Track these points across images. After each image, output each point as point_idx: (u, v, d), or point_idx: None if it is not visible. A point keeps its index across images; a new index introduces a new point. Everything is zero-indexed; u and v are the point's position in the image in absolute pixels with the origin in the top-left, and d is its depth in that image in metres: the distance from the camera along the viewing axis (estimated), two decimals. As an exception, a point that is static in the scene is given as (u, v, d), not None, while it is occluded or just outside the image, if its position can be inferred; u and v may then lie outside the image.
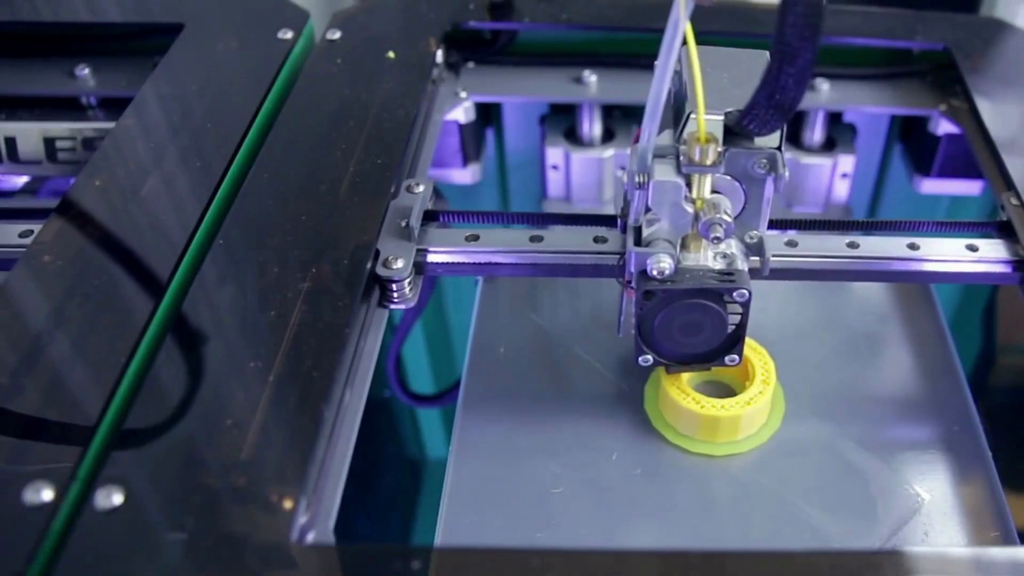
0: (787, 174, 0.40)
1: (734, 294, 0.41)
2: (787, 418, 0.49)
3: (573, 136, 0.72)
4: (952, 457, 0.48)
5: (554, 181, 0.74)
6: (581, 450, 0.48)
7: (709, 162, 0.39)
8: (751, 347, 0.50)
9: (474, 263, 0.48)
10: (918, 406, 0.51)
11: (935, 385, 0.52)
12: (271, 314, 0.42)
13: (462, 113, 0.65)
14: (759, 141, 0.40)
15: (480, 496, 0.46)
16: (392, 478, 1.00)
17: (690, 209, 0.41)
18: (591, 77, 0.66)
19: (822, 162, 0.70)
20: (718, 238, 0.40)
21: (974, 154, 0.58)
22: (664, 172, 0.40)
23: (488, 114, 0.74)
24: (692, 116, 0.39)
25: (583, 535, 0.44)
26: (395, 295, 0.46)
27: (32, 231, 0.48)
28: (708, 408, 0.46)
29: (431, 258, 0.48)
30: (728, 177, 0.41)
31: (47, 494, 0.34)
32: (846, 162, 0.70)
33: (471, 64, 0.67)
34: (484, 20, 0.65)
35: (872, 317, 0.57)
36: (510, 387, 0.52)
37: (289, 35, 0.61)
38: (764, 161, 0.40)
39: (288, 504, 0.34)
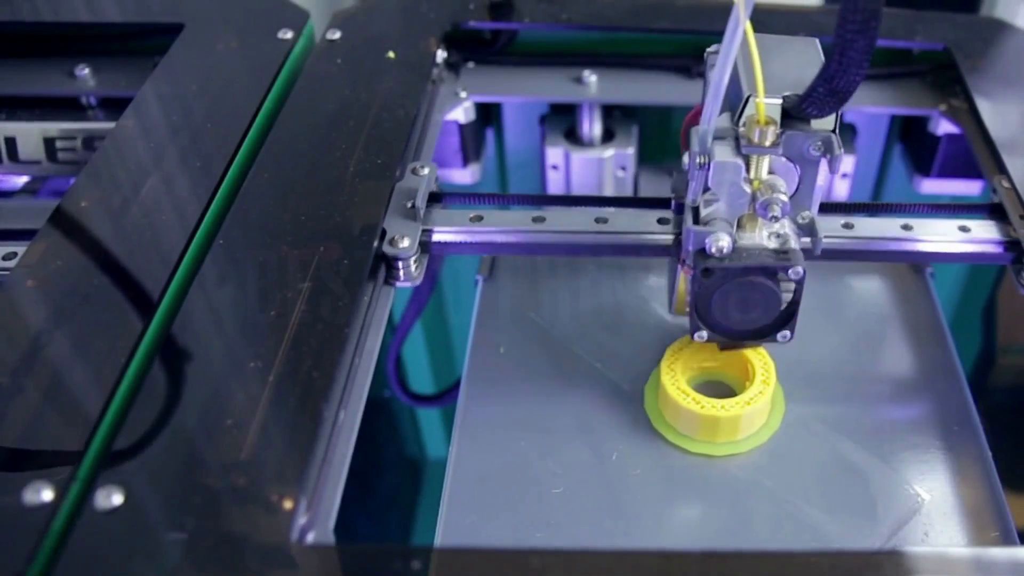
0: (842, 154, 0.42)
1: (789, 272, 0.42)
2: (787, 418, 0.49)
3: (573, 136, 0.72)
4: (952, 457, 0.48)
5: (554, 181, 0.74)
6: (581, 450, 0.48)
7: (768, 143, 0.41)
8: (751, 347, 0.50)
9: (478, 242, 0.50)
10: (918, 406, 0.51)
11: (935, 385, 0.52)
12: (271, 314, 0.42)
13: (462, 113, 0.65)
14: (814, 124, 0.41)
15: (480, 496, 0.46)
16: (392, 478, 1.00)
17: (748, 189, 0.42)
18: (591, 77, 0.66)
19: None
20: (775, 217, 0.41)
21: (974, 154, 0.58)
22: (725, 153, 0.41)
23: (488, 114, 0.74)
24: (752, 99, 0.41)
25: (583, 535, 0.44)
26: (401, 273, 0.48)
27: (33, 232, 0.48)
28: (708, 408, 0.46)
29: (436, 237, 0.49)
30: (784, 159, 0.42)
31: (47, 494, 0.34)
32: (846, 162, 0.70)
33: (471, 64, 0.67)
34: (484, 20, 0.65)
35: (872, 317, 0.57)
36: (510, 387, 0.52)
37: (289, 35, 0.61)
38: (819, 143, 0.41)
39: (288, 504, 0.34)
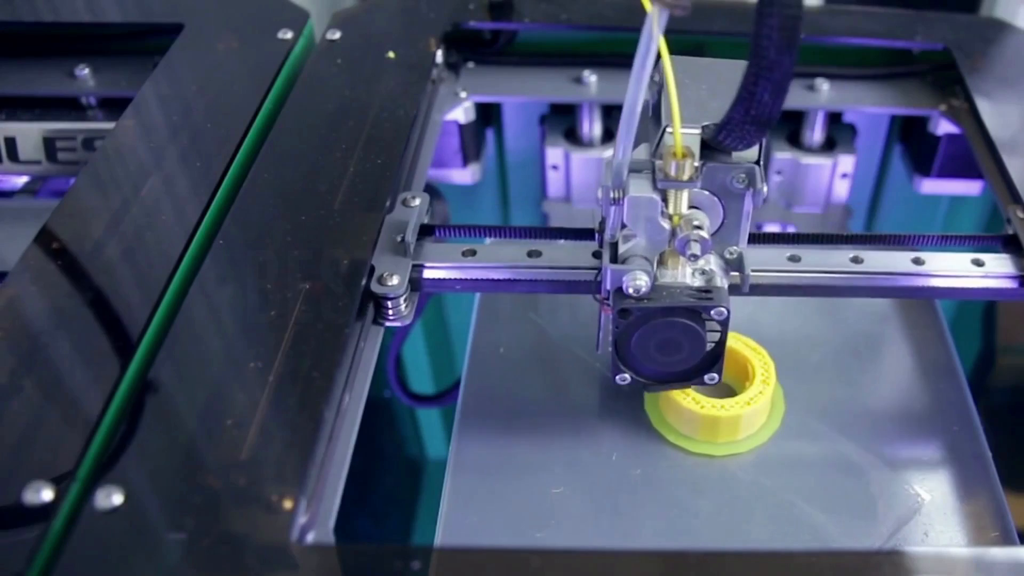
0: (766, 189, 0.40)
1: (712, 312, 0.40)
2: (787, 418, 0.49)
3: (573, 136, 0.72)
4: (952, 457, 0.48)
5: (554, 181, 0.74)
6: (581, 451, 0.48)
7: (685, 177, 0.38)
8: (751, 347, 0.50)
9: (471, 279, 0.47)
10: (918, 407, 0.51)
11: (935, 386, 0.52)
12: (271, 314, 0.42)
13: (462, 113, 0.65)
14: (737, 155, 0.39)
15: (480, 496, 0.46)
16: (392, 478, 1.00)
17: (667, 225, 0.40)
18: (591, 77, 0.66)
19: (822, 162, 0.70)
20: (695, 255, 0.39)
21: (974, 154, 0.58)
22: (639, 187, 0.39)
23: (488, 114, 0.74)
24: (668, 130, 0.38)
25: (583, 535, 0.44)
26: (390, 312, 0.45)
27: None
28: (708, 408, 0.46)
29: (427, 274, 0.47)
30: (706, 192, 0.40)
31: (47, 494, 0.34)
32: (846, 162, 0.70)
33: (471, 64, 0.67)
34: (484, 20, 0.65)
35: (872, 317, 0.57)
36: (510, 387, 0.52)
37: (289, 35, 0.61)
38: (743, 176, 0.39)
39: (288, 504, 0.34)
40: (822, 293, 0.48)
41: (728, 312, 0.40)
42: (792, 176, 0.71)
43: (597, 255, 0.46)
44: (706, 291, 0.41)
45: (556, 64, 0.67)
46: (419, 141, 0.57)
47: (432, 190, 0.70)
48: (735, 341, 0.49)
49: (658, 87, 0.42)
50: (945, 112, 0.63)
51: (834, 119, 0.71)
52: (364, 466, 0.84)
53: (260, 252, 0.45)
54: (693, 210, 0.40)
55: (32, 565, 0.32)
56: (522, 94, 0.67)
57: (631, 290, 0.40)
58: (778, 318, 0.56)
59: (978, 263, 0.47)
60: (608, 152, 0.71)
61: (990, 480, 0.47)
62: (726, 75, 0.40)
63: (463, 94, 0.65)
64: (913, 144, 0.70)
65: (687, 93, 0.38)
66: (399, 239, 0.46)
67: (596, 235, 0.46)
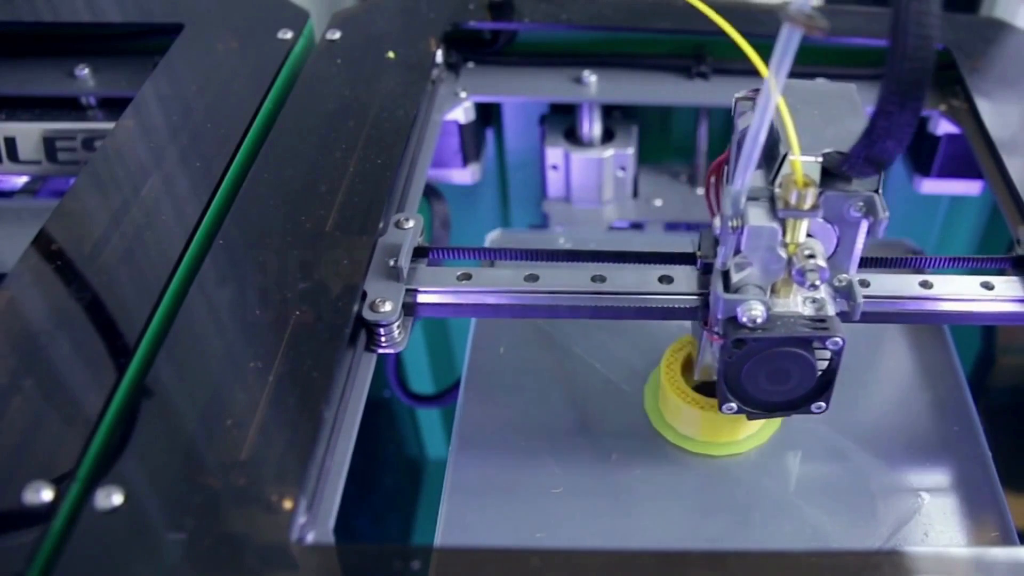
0: (886, 216, 0.38)
1: (827, 342, 0.40)
2: (787, 418, 0.49)
3: (573, 136, 0.72)
4: (952, 457, 0.48)
5: (554, 181, 0.74)
6: (581, 450, 0.48)
7: (807, 207, 0.37)
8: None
9: (466, 304, 0.46)
10: (918, 406, 0.51)
11: (935, 385, 0.52)
12: (271, 314, 0.42)
13: (462, 113, 0.65)
14: (856, 183, 0.39)
15: (480, 496, 0.46)
16: (392, 478, 1.00)
17: (784, 254, 0.39)
18: (591, 77, 0.66)
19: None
20: (815, 285, 0.38)
21: (974, 154, 0.58)
22: (759, 217, 0.38)
23: (488, 114, 0.74)
24: (789, 157, 0.37)
25: (583, 535, 0.44)
26: (383, 339, 0.44)
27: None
28: (708, 408, 0.46)
29: (421, 299, 0.45)
30: (821, 220, 0.39)
31: (47, 494, 0.34)
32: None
33: (471, 64, 0.67)
34: (484, 20, 0.65)
35: (872, 317, 0.57)
36: (510, 387, 0.52)
37: (289, 35, 0.61)
38: (861, 204, 0.39)
39: (288, 504, 0.34)
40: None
41: (843, 342, 0.40)
42: (792, 176, 0.71)
43: (596, 279, 0.46)
44: (820, 320, 0.40)
45: (556, 64, 0.67)
46: (419, 141, 0.57)
47: (432, 190, 0.70)
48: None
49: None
50: (945, 112, 0.63)
51: (834, 119, 0.71)
52: (364, 466, 0.84)
53: (260, 252, 0.45)
54: (809, 238, 0.40)
55: (32, 565, 0.32)
56: (522, 94, 0.67)
57: (746, 320, 0.39)
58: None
59: (987, 286, 0.46)
60: (608, 152, 0.71)
61: (990, 480, 0.47)
62: (834, 99, 0.40)
63: (463, 94, 0.65)
64: (913, 144, 0.70)
65: (801, 119, 0.37)
66: (392, 263, 0.45)
67: (697, 260, 0.45)
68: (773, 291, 0.41)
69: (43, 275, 0.43)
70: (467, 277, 0.46)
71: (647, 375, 0.51)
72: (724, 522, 0.45)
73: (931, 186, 0.68)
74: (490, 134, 0.75)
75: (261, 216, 0.47)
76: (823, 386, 0.42)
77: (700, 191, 0.77)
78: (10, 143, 0.62)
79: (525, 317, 0.47)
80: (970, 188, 0.68)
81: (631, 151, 0.72)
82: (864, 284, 0.46)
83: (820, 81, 0.42)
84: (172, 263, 0.44)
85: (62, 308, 0.42)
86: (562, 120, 0.73)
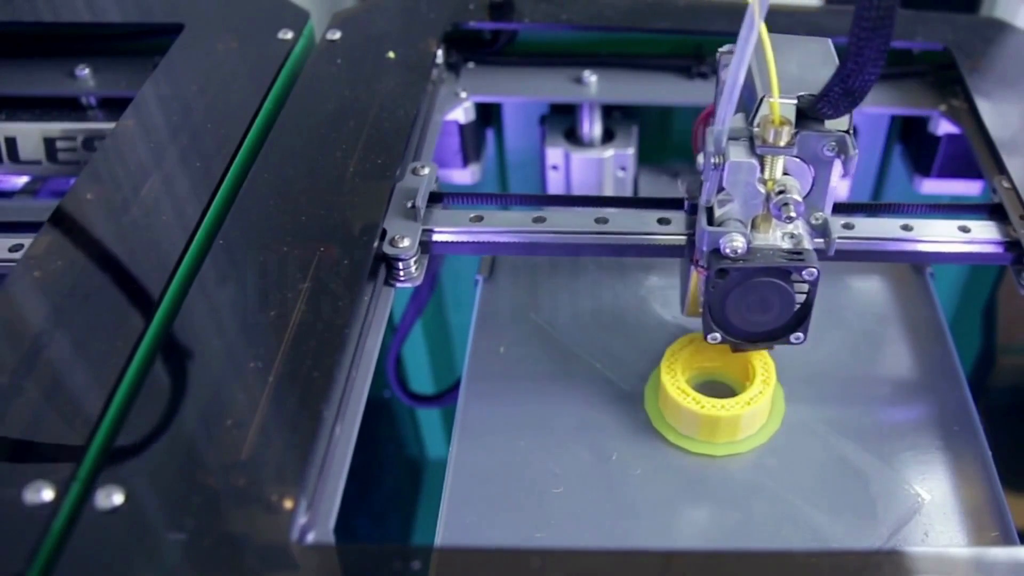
0: (856, 154, 0.42)
1: (803, 272, 0.42)
2: (787, 418, 0.49)
3: (573, 136, 0.72)
4: (952, 457, 0.48)
5: (554, 181, 0.74)
6: (581, 450, 0.48)
7: (783, 143, 0.41)
8: (751, 347, 0.50)
9: (479, 242, 0.50)
10: (918, 406, 0.51)
11: (935, 385, 0.52)
12: (271, 314, 0.42)
13: (462, 113, 0.65)
14: (829, 124, 0.42)
15: (480, 496, 0.46)
16: (392, 478, 1.00)
17: (762, 189, 0.42)
18: (591, 77, 0.66)
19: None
20: (790, 217, 0.41)
21: (974, 154, 0.58)
22: (739, 153, 0.41)
23: (488, 114, 0.74)
24: (767, 99, 0.40)
25: (583, 535, 0.44)
26: (401, 273, 0.48)
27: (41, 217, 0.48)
28: (708, 408, 0.46)
29: (436, 237, 0.49)
30: (798, 159, 0.42)
31: (47, 494, 0.34)
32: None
33: (471, 64, 0.67)
34: (484, 20, 0.65)
35: (872, 317, 0.57)
36: (510, 387, 0.52)
37: (289, 35, 0.61)
38: (834, 143, 0.42)
39: (288, 504, 0.34)
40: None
41: (818, 272, 0.42)
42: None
43: (600, 221, 0.50)
44: (797, 253, 0.43)
45: (556, 64, 0.67)
46: (419, 141, 0.57)
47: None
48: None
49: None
50: (945, 112, 0.63)
51: (834, 119, 0.71)
52: (364, 466, 0.84)
53: (260, 252, 0.45)
54: (786, 176, 0.42)
55: (32, 565, 0.32)
56: (522, 94, 0.67)
57: (729, 251, 0.42)
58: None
59: (964, 229, 0.50)
60: (608, 152, 0.71)
61: (990, 480, 0.47)
62: (810, 50, 0.44)
63: (463, 94, 0.65)
64: (913, 144, 0.70)
65: (779, 66, 0.40)
66: (409, 205, 0.49)
67: (685, 203, 0.49)
68: (754, 226, 0.43)
69: (43, 275, 0.43)
70: (479, 219, 0.50)
71: (647, 375, 0.51)
72: (724, 522, 0.45)
73: (931, 186, 0.68)
74: (490, 134, 0.75)
75: (261, 216, 0.47)
76: (801, 317, 0.45)
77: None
78: (10, 143, 0.62)
79: (533, 255, 0.52)
80: (970, 188, 0.68)
81: (631, 151, 0.72)
82: (849, 227, 0.50)
83: (799, 37, 0.45)
84: (172, 263, 0.44)
85: (62, 308, 0.42)
86: (562, 120, 0.73)
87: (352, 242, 0.46)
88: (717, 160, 0.42)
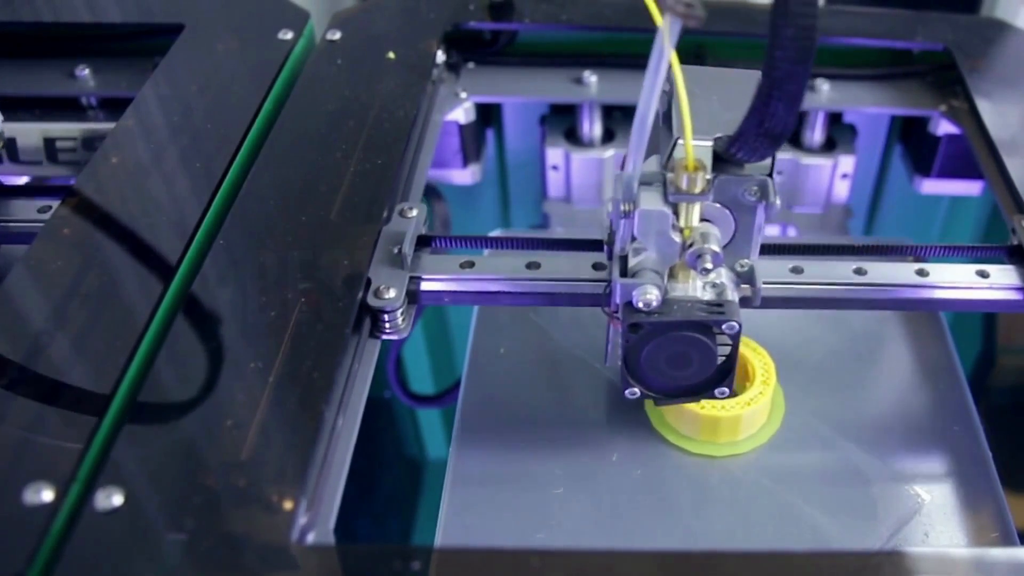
0: (778, 202, 0.39)
1: (723, 326, 0.40)
2: (787, 419, 0.49)
3: (573, 136, 0.72)
4: (952, 457, 0.48)
5: (554, 181, 0.74)
6: (581, 451, 0.48)
7: (697, 190, 0.38)
8: (751, 348, 0.50)
9: (469, 291, 0.47)
10: (918, 406, 0.51)
11: (935, 385, 0.52)
12: (271, 314, 0.42)
13: (462, 113, 0.65)
14: (749, 168, 0.39)
15: (480, 496, 0.46)
16: (392, 478, 1.00)
17: (677, 238, 0.39)
18: (591, 77, 0.66)
19: (822, 162, 0.70)
20: (706, 269, 0.39)
21: (974, 155, 0.58)
22: (650, 201, 0.39)
23: (488, 114, 0.74)
24: (680, 142, 0.37)
25: (583, 535, 0.44)
26: (387, 325, 0.45)
27: (48, 206, 0.48)
28: (708, 409, 0.46)
29: (424, 286, 0.46)
30: (717, 205, 0.40)
31: (47, 494, 0.34)
32: (846, 162, 0.70)
33: (471, 64, 0.67)
34: (484, 20, 0.65)
35: (873, 318, 0.57)
36: (510, 388, 0.52)
37: (289, 35, 0.61)
38: (755, 188, 0.39)
39: (288, 504, 0.34)
40: (825, 306, 0.47)
41: (740, 326, 0.40)
42: (792, 176, 0.71)
43: (598, 267, 0.46)
44: (717, 305, 0.40)
45: (556, 64, 0.67)
46: (419, 142, 0.57)
47: (432, 191, 0.70)
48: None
49: (668, 97, 0.41)
50: (945, 112, 0.63)
51: (834, 119, 0.71)
52: (364, 466, 0.84)
53: (260, 252, 0.45)
54: (704, 223, 0.40)
55: (32, 565, 0.32)
56: (522, 94, 0.67)
57: (641, 304, 0.39)
58: (779, 319, 0.56)
59: (983, 275, 0.47)
60: (608, 152, 0.71)
61: (990, 480, 0.47)
62: (737, 85, 0.39)
63: (463, 94, 0.65)
64: (913, 144, 0.70)
65: (698, 104, 0.37)
66: (396, 251, 0.46)
67: (605, 247, 0.45)
68: (672, 276, 0.41)
69: (43, 275, 0.43)
70: (470, 265, 0.47)
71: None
72: (724, 522, 0.45)
73: (931, 186, 0.68)
74: (490, 134, 0.75)
75: (261, 216, 0.47)
76: (724, 371, 0.42)
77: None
78: (10, 143, 0.62)
79: (525, 304, 0.48)
80: (970, 188, 0.68)
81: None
82: (861, 272, 0.47)
83: (725, 70, 0.42)
84: (172, 263, 0.44)
85: (62, 308, 0.42)
86: (562, 120, 0.73)
87: (335, 293, 0.43)
88: (626, 207, 0.39)
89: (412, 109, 0.56)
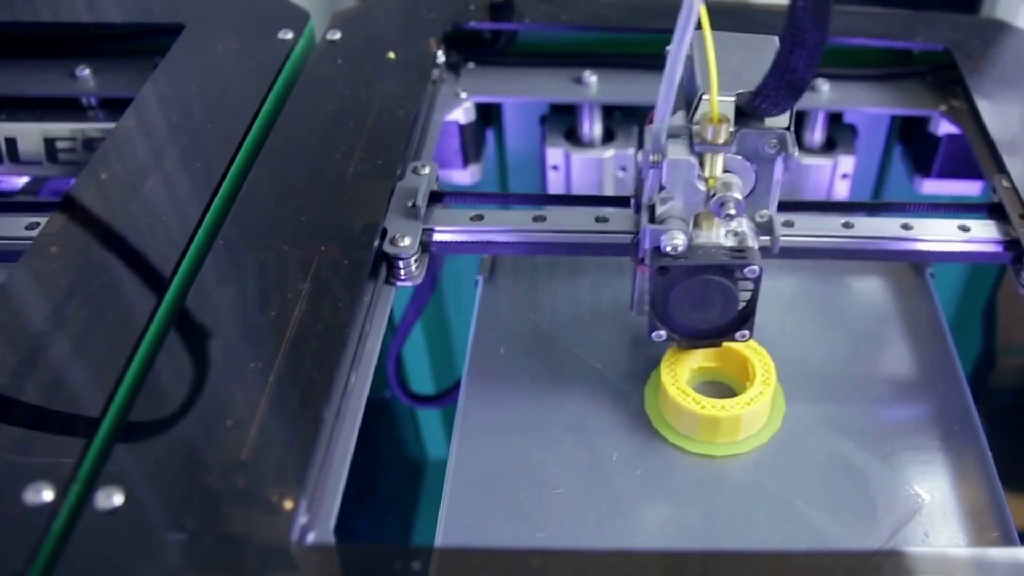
0: (796, 153, 0.42)
1: (745, 270, 0.42)
2: (787, 418, 0.49)
3: (573, 137, 0.72)
4: (952, 457, 0.48)
5: (554, 182, 0.74)
6: (581, 451, 0.48)
7: (721, 141, 0.40)
8: (751, 347, 0.50)
9: (479, 241, 0.50)
10: (918, 406, 0.51)
11: (935, 385, 0.52)
12: (271, 314, 0.42)
13: (462, 114, 0.65)
14: (769, 122, 0.41)
15: (480, 496, 0.46)
16: (392, 478, 1.00)
17: (702, 187, 0.42)
18: (591, 77, 0.66)
19: (822, 163, 0.70)
20: (730, 215, 0.41)
21: (974, 155, 0.58)
22: (678, 151, 0.41)
23: (488, 114, 0.74)
24: (705, 97, 0.40)
25: (583, 535, 0.44)
26: (402, 272, 0.48)
27: (38, 223, 0.48)
28: (708, 408, 0.46)
29: (437, 236, 0.49)
30: (739, 157, 0.42)
31: (47, 494, 0.34)
32: (846, 163, 0.70)
33: (471, 64, 0.67)
34: (484, 20, 0.65)
35: (872, 317, 0.57)
36: (510, 387, 0.52)
37: (289, 35, 0.61)
38: (774, 141, 0.41)
39: (288, 504, 0.34)
40: (814, 256, 0.50)
41: (761, 270, 0.42)
42: (792, 177, 0.71)
43: (600, 220, 0.50)
44: (739, 251, 0.43)
45: (556, 64, 0.67)
46: (419, 142, 0.57)
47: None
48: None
49: (690, 60, 0.44)
50: (945, 113, 0.63)
51: (834, 120, 0.71)
52: (364, 466, 0.84)
53: (260, 252, 0.45)
54: (727, 174, 0.42)
55: (32, 565, 0.32)
56: (522, 94, 0.67)
57: (669, 248, 0.42)
58: (778, 318, 0.56)
59: (964, 228, 0.50)
60: (608, 152, 0.71)
61: (990, 480, 0.47)
62: (755, 48, 0.43)
63: (463, 94, 0.65)
64: (913, 145, 0.70)
65: (721, 63, 0.40)
66: (410, 204, 0.49)
67: (632, 201, 0.49)
68: (697, 224, 0.43)
69: (43, 275, 0.43)
70: (479, 218, 0.50)
71: (647, 375, 0.51)
72: (724, 522, 0.45)
73: (931, 187, 0.68)
74: (490, 134, 0.75)
75: (262, 216, 0.47)
76: (746, 315, 0.45)
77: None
78: (10, 143, 0.62)
79: (533, 254, 0.53)
80: (970, 189, 0.68)
81: (632, 151, 0.72)
82: (848, 226, 0.50)
83: (745, 35, 0.45)
84: (172, 263, 0.44)
85: (63, 308, 0.42)
86: (562, 120, 0.73)
87: (353, 241, 0.46)
88: (655, 158, 0.41)
89: (412, 109, 0.56)
